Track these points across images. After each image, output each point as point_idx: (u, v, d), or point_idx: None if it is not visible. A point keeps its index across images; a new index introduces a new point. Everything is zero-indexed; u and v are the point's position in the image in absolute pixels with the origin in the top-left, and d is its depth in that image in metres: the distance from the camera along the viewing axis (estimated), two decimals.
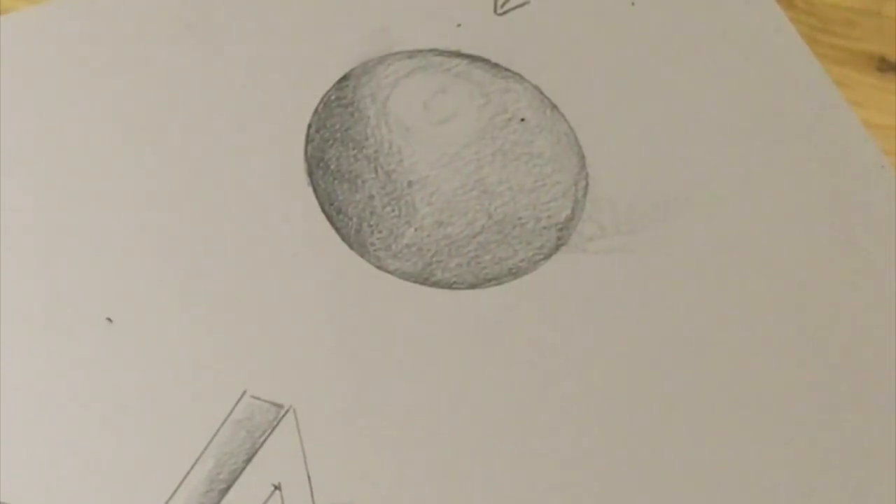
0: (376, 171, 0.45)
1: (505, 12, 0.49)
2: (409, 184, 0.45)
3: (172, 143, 0.45)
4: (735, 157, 0.47)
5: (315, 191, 0.45)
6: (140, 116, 0.46)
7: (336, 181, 0.45)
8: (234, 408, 0.40)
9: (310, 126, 0.46)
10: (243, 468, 0.40)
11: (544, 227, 0.45)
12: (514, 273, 0.44)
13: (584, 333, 0.43)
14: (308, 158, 0.45)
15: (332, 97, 0.47)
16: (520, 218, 0.45)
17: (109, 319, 0.42)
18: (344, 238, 0.44)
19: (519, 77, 0.48)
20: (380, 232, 0.44)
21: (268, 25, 0.48)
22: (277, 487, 0.39)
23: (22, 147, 0.45)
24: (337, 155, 0.45)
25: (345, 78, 0.47)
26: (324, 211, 0.45)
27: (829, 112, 0.48)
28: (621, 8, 0.50)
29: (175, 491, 0.39)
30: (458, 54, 0.48)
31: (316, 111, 0.46)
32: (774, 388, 0.42)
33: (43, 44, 0.47)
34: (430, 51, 0.48)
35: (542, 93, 0.47)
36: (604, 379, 0.42)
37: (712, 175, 0.47)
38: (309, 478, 0.40)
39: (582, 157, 0.46)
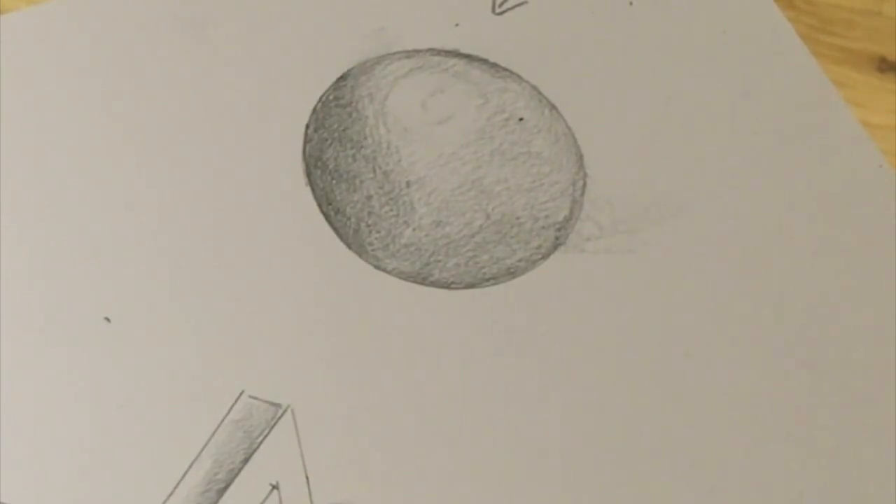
0: (374, 171, 0.45)
1: (503, 12, 0.49)
2: (408, 184, 0.45)
3: (171, 143, 0.45)
4: (733, 157, 0.47)
5: (313, 191, 0.45)
6: (139, 116, 0.46)
7: (334, 181, 0.45)
8: (231, 407, 0.40)
9: (308, 126, 0.46)
10: (241, 468, 0.40)
11: (542, 227, 0.45)
12: (512, 273, 0.44)
13: (582, 333, 0.43)
14: (306, 158, 0.45)
15: (331, 97, 0.47)
16: (518, 218, 0.45)
17: (107, 319, 0.42)
18: (342, 238, 0.44)
19: (517, 77, 0.48)
20: (378, 232, 0.44)
21: (266, 25, 0.48)
22: (275, 487, 0.39)
23: (22, 147, 0.45)
24: (335, 155, 0.45)
25: (343, 78, 0.47)
26: (322, 211, 0.45)
27: (828, 112, 0.48)
28: (619, 7, 0.50)
29: (173, 491, 0.39)
30: (456, 54, 0.48)
31: (314, 111, 0.46)
32: (773, 387, 0.42)
33: (43, 44, 0.47)
34: (429, 50, 0.48)
35: (540, 92, 0.47)
36: (601, 378, 0.42)
37: (711, 175, 0.47)
38: (307, 477, 0.40)
39: (580, 157, 0.46)
